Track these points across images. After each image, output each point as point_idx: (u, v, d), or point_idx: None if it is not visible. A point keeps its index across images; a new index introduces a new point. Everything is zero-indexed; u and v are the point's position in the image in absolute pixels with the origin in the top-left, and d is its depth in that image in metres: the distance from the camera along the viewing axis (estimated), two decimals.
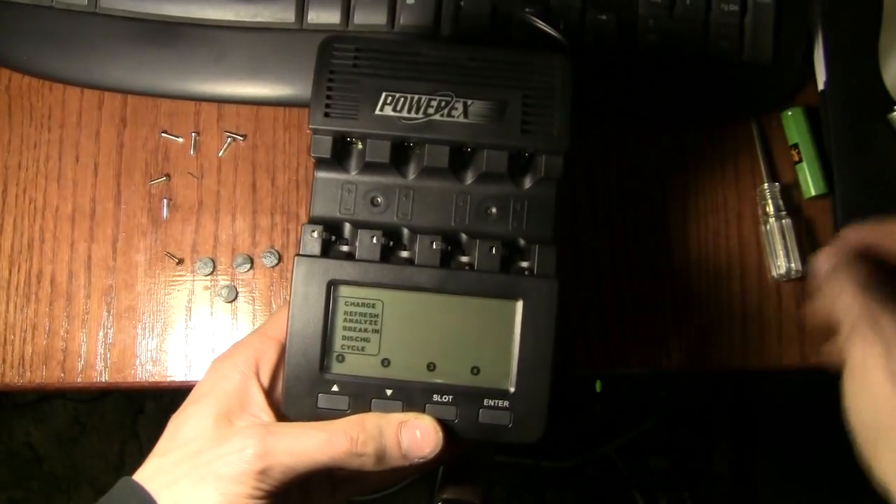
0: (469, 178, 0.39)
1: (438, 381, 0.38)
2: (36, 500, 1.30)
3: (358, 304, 0.38)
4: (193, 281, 0.48)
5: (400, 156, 0.39)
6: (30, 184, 0.49)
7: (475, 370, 0.38)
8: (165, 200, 0.49)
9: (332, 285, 0.38)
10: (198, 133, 0.50)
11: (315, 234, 0.38)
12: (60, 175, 0.49)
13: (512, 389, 0.38)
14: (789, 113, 0.50)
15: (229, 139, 0.49)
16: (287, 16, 0.48)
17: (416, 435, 0.37)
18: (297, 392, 0.38)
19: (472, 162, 0.39)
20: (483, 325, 0.38)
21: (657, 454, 1.22)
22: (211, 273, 0.48)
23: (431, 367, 0.38)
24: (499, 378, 0.38)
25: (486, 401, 0.38)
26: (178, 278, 0.48)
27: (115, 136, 0.50)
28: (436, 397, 0.38)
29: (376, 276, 0.38)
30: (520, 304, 0.38)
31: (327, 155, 0.38)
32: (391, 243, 0.38)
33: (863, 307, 0.37)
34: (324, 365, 0.38)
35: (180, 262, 0.48)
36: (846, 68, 0.49)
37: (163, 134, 0.49)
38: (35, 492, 1.27)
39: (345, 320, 0.38)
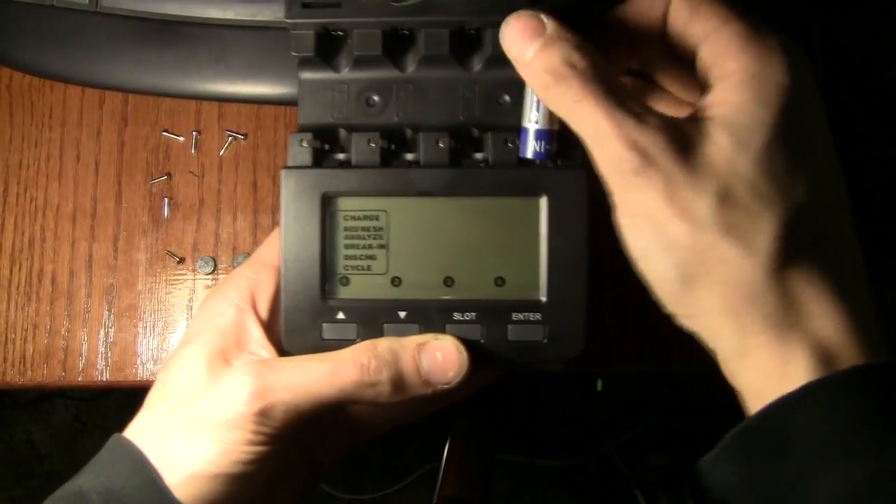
0: (476, 65, 0.34)
1: (458, 297, 0.33)
2: (37, 499, 1.30)
3: (359, 218, 0.33)
4: (195, 280, 0.48)
5: (394, 46, 0.34)
6: (31, 182, 0.49)
7: (499, 281, 0.34)
8: (166, 199, 0.49)
9: (327, 198, 0.33)
10: (199, 132, 0.50)
11: (304, 143, 0.33)
12: (61, 174, 0.49)
13: (543, 300, 0.33)
14: None
15: (230, 138, 0.49)
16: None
17: (436, 357, 0.32)
18: (298, 324, 0.33)
19: (478, 45, 0.34)
20: (504, 228, 0.33)
21: (658, 452, 1.22)
22: (212, 272, 0.48)
23: (449, 282, 0.34)
24: (527, 288, 0.33)
25: (514, 315, 0.33)
26: (180, 277, 0.48)
27: (115, 134, 0.50)
28: (456, 316, 0.33)
29: (377, 183, 0.33)
30: (544, 201, 0.33)
31: (311, 53, 0.34)
32: (393, 146, 0.34)
33: (621, 136, 0.28)
34: (326, 290, 0.34)
35: (181, 260, 0.48)
36: (845, 67, 0.49)
37: (164, 133, 0.49)
38: (36, 490, 1.27)
39: (346, 237, 0.33)
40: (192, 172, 0.49)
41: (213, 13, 0.48)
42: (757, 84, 0.28)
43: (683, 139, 0.28)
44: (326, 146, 0.34)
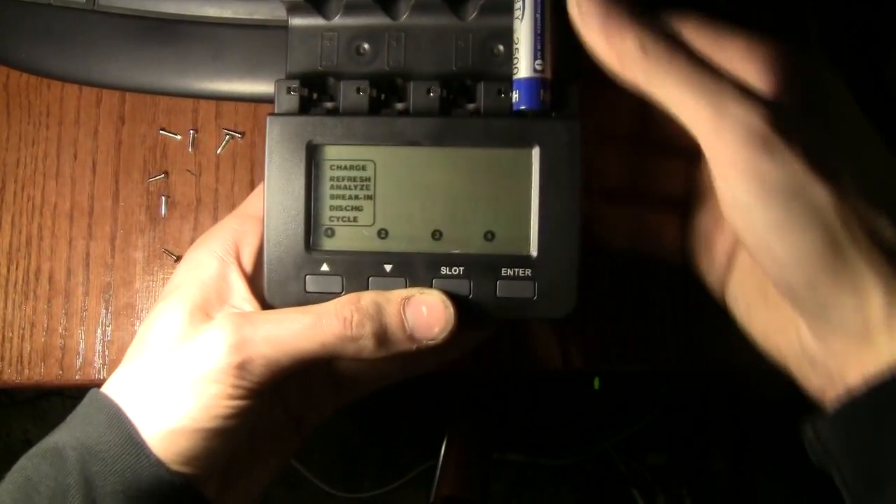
0: (470, 13, 0.33)
1: (446, 250, 0.32)
2: None
3: (345, 168, 0.33)
4: None
5: None
6: (28, 181, 0.49)
7: (489, 235, 0.33)
8: (164, 198, 0.49)
9: (312, 147, 0.32)
10: (196, 130, 0.50)
11: (292, 91, 0.33)
12: (59, 172, 0.49)
13: (534, 255, 0.32)
14: None
15: (227, 137, 0.49)
16: (284, 13, 0.47)
17: (422, 312, 0.31)
18: (281, 276, 0.33)
19: None
20: (495, 181, 0.32)
21: (656, 451, 1.22)
22: None
23: (437, 235, 0.33)
24: (517, 243, 0.32)
25: (504, 270, 0.32)
26: None
27: (113, 133, 0.50)
28: (444, 270, 0.32)
29: (364, 131, 0.32)
30: (536, 152, 0.32)
31: None
32: (383, 95, 0.33)
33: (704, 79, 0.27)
34: (310, 242, 0.33)
35: (179, 259, 0.48)
36: (844, 68, 0.49)
37: (161, 131, 0.49)
38: None
39: (332, 187, 0.33)
40: (189, 171, 0.49)
41: (211, 11, 0.47)
42: (810, 69, 0.29)
43: (797, 109, 0.28)
44: (315, 94, 0.33)
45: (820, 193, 0.27)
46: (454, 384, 1.09)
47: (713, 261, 0.35)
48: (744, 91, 0.28)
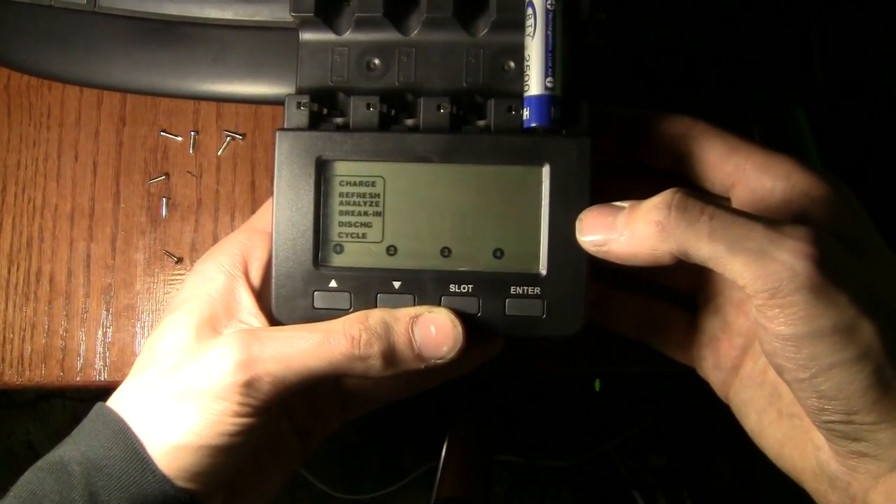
0: (481, 29, 0.33)
1: (455, 268, 0.32)
2: None
3: (355, 184, 0.33)
4: None
5: (397, 7, 0.33)
6: (29, 182, 0.49)
7: (498, 253, 0.32)
8: (164, 199, 0.49)
9: (322, 162, 0.32)
10: (197, 132, 0.50)
11: (302, 106, 0.33)
12: (59, 174, 0.49)
13: (543, 273, 0.32)
14: (792, 114, 0.50)
15: (228, 138, 0.49)
16: (286, 14, 0.47)
17: (430, 331, 0.31)
18: (289, 291, 0.33)
19: (483, 8, 0.33)
20: (504, 198, 0.32)
21: (656, 453, 1.22)
22: None
23: (446, 252, 0.33)
24: (527, 261, 0.32)
25: (512, 288, 0.32)
26: (178, 277, 0.48)
27: (114, 134, 0.50)
28: (453, 287, 0.32)
29: (374, 147, 0.32)
30: (546, 170, 0.32)
31: (311, 12, 0.33)
32: (393, 111, 0.33)
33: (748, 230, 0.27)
34: (319, 258, 0.33)
35: (179, 260, 0.48)
36: (844, 70, 0.49)
37: (162, 133, 0.49)
38: None
39: (341, 203, 0.33)
40: (190, 172, 0.49)
41: (212, 13, 0.48)
42: (841, 196, 0.30)
43: (837, 245, 0.27)
44: (325, 110, 0.33)
45: (868, 330, 0.26)
46: (455, 386, 1.09)
47: (718, 364, 0.35)
48: (778, 228, 0.27)
